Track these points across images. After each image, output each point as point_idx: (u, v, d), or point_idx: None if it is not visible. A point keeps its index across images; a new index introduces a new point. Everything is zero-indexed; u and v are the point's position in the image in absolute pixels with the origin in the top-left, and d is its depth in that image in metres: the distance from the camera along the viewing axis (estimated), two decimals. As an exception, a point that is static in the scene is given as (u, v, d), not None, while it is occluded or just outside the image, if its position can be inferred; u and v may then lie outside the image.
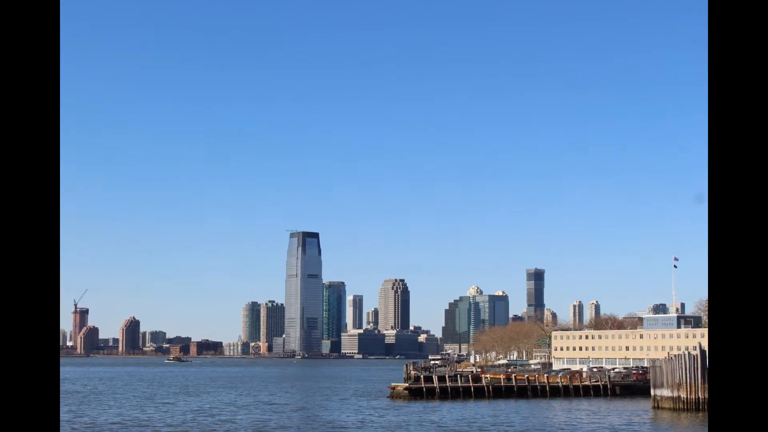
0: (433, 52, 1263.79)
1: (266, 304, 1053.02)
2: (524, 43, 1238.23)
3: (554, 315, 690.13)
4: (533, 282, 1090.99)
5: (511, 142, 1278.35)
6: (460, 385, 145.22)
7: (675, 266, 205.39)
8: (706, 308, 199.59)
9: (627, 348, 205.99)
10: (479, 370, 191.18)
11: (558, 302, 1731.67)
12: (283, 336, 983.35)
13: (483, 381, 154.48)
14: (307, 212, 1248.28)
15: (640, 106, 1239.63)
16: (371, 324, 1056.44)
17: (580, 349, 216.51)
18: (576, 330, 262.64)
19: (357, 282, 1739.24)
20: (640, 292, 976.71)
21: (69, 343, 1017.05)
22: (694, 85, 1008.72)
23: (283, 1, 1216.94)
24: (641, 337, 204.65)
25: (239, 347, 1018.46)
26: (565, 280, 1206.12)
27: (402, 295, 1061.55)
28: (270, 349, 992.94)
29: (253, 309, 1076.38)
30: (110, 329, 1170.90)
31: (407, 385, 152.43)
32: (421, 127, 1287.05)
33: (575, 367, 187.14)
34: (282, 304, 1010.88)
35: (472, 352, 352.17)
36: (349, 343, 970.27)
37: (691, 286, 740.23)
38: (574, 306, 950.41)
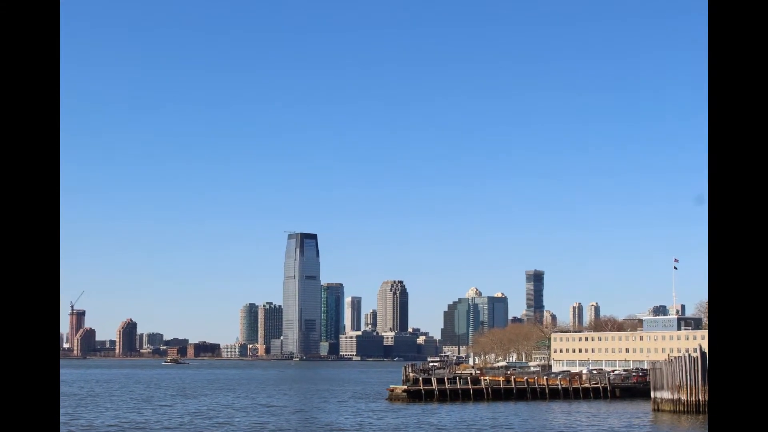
0: (433, 52, 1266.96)
1: (264, 305, 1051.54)
2: (524, 43, 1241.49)
3: (554, 317, 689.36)
4: (532, 283, 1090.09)
5: (511, 142, 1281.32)
6: (459, 387, 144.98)
7: (675, 268, 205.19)
8: (707, 310, 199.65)
9: (627, 350, 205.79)
10: (478, 372, 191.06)
11: (557, 304, 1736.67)
12: (281, 338, 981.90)
13: (482, 383, 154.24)
14: (306, 213, 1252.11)
15: (640, 106, 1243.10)
16: (370, 326, 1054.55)
17: (580, 351, 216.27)
18: (575, 332, 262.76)
19: (355, 283, 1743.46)
20: (640, 294, 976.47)
21: (65, 345, 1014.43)
22: (694, 85, 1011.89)
23: (283, 1, 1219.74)
24: (641, 339, 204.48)
25: (237, 349, 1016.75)
26: (565, 281, 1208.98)
27: (400, 297, 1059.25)
28: (268, 351, 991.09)
29: (251, 311, 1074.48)
30: (107, 331, 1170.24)
31: (406, 387, 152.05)
32: (421, 127, 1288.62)
33: (575, 369, 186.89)
34: (280, 306, 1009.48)
35: (471, 354, 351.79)
36: (348, 345, 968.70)
37: (691, 287, 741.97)
38: (574, 308, 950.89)
